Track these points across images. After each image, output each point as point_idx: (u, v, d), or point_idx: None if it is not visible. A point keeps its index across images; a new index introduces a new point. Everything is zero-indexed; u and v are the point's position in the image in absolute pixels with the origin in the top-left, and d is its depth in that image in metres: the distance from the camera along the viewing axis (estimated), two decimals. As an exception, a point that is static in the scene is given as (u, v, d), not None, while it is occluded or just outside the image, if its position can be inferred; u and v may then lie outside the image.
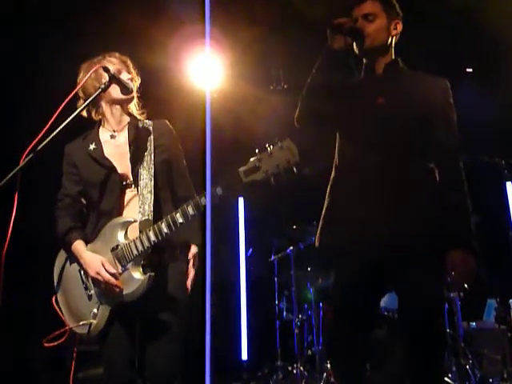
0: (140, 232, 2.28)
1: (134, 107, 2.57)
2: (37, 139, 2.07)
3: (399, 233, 2.13)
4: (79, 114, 2.28)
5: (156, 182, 2.39)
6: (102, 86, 2.30)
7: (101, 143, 2.47)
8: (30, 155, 2.07)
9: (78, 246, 2.38)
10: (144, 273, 2.27)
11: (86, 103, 2.28)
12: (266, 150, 2.03)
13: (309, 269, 5.32)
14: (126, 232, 2.34)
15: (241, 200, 6.49)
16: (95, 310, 2.34)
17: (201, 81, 4.99)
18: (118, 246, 2.32)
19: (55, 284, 2.51)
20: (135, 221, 2.32)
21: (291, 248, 5.27)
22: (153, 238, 2.24)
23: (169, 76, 4.83)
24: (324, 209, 2.36)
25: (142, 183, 2.37)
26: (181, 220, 2.20)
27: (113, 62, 2.45)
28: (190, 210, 2.18)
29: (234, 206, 6.46)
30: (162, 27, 4.27)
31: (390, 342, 3.98)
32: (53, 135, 2.10)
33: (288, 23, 4.44)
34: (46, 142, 2.08)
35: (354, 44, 2.33)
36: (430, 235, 2.13)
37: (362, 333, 2.24)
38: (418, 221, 2.14)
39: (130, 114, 2.54)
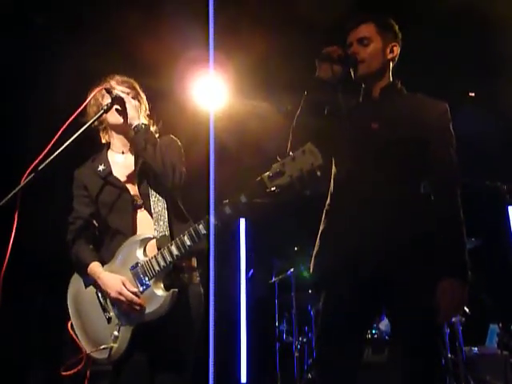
0: (159, 248, 2.23)
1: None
2: (38, 159, 2.07)
3: (393, 257, 2.10)
4: (84, 137, 2.26)
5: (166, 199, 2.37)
6: (104, 107, 2.30)
7: (109, 164, 2.47)
8: (32, 175, 2.06)
9: (95, 267, 2.32)
10: (166, 290, 2.21)
11: (86, 125, 2.27)
12: (289, 155, 1.99)
13: (309, 291, 5.28)
14: (145, 249, 2.29)
15: (242, 221, 6.48)
16: (116, 333, 2.25)
17: (205, 102, 5.04)
18: (137, 263, 2.26)
19: (70, 309, 2.43)
20: (154, 237, 2.27)
21: (292, 270, 5.24)
22: (175, 251, 2.18)
23: (174, 98, 4.87)
24: (319, 234, 2.32)
25: (153, 200, 2.34)
26: (204, 231, 2.14)
27: (114, 86, 2.44)
28: (214, 221, 2.13)
29: (235, 227, 6.44)
30: (167, 51, 4.33)
31: (391, 366, 3.93)
32: (54, 155, 2.10)
33: (292, 45, 4.47)
34: (47, 161, 2.08)
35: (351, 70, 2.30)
36: (424, 258, 2.10)
37: (351, 358, 2.17)
38: (415, 245, 2.11)
39: None
